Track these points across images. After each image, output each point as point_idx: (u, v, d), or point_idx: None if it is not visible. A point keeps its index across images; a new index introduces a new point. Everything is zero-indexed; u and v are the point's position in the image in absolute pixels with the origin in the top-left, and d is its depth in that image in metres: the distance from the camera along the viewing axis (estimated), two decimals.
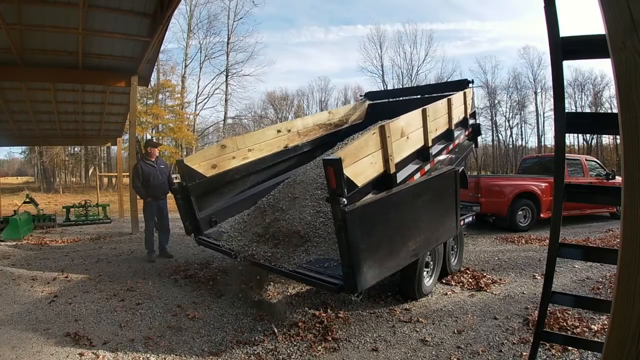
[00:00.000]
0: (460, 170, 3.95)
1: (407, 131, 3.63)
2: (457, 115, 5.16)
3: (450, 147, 4.80)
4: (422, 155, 4.02)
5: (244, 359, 2.63)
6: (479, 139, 6.37)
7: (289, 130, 5.01)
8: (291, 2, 49.61)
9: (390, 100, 6.86)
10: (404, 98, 6.70)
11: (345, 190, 2.59)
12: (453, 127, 4.89)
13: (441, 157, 4.45)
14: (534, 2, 40.37)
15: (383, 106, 6.65)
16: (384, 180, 3.21)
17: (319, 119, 5.67)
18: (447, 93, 5.67)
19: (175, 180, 5.13)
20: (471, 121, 5.78)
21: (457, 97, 5.13)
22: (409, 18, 62.15)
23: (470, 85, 5.92)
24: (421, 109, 3.95)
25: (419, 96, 6.55)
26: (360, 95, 7.24)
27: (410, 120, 3.73)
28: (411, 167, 3.80)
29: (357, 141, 2.99)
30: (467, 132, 5.58)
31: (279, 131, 4.87)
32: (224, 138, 23.24)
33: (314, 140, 5.35)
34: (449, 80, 25.22)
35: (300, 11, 54.44)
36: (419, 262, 3.46)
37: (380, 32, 35.52)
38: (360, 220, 2.58)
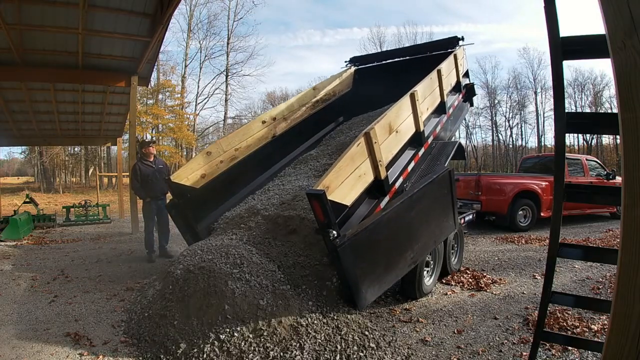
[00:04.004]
0: (456, 145, 3.79)
1: (396, 125, 3.41)
2: (449, 82, 4.77)
3: (444, 119, 4.48)
4: (415, 142, 3.81)
5: None
6: (474, 99, 5.87)
7: (274, 118, 4.76)
8: (287, 6, 49.79)
9: (378, 63, 6.40)
10: (392, 60, 6.30)
11: (334, 217, 2.46)
12: (445, 99, 4.54)
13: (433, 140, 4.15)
14: (525, 5, 40.83)
15: (370, 70, 6.25)
16: (376, 187, 3.10)
17: (304, 99, 5.30)
18: (435, 52, 5.39)
19: None
20: (464, 81, 5.37)
21: (447, 64, 4.69)
22: (405, 20, 62.55)
23: (461, 42, 5.46)
24: (409, 94, 3.66)
25: (407, 57, 6.14)
26: (346, 62, 6.53)
27: (399, 112, 3.51)
28: (405, 158, 3.64)
29: (341, 160, 2.78)
30: (461, 96, 5.19)
31: (263, 122, 4.65)
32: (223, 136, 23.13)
33: (302, 122, 5.07)
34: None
35: (296, 15, 54.70)
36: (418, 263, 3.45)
37: (380, 33, 35.55)
38: (354, 248, 2.48)
